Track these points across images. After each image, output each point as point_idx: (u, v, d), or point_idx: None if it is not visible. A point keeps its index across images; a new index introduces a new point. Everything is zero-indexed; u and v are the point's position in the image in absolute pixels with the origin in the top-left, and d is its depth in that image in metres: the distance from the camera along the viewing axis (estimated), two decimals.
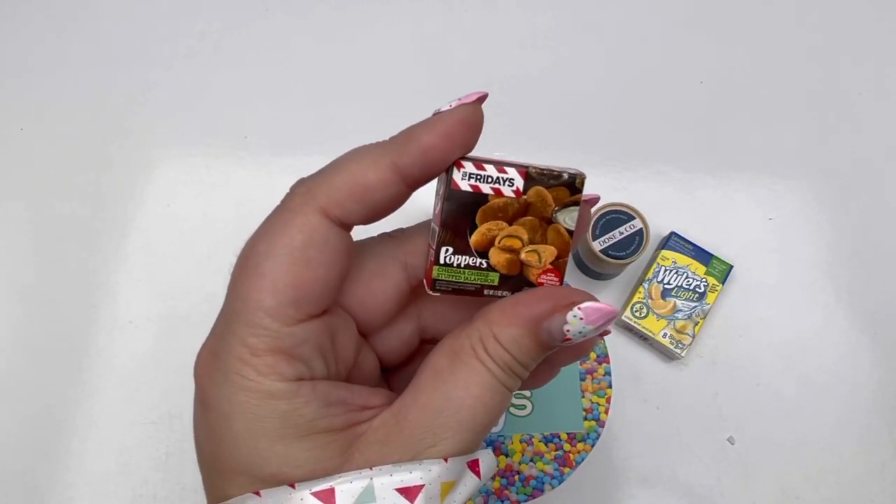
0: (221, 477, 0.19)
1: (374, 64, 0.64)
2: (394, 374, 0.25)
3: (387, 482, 0.18)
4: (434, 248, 0.21)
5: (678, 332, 0.53)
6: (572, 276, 0.57)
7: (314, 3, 0.66)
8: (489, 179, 0.21)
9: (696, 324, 0.53)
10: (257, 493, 0.18)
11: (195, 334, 0.20)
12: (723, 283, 0.54)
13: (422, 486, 0.19)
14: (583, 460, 0.44)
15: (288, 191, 0.20)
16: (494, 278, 0.22)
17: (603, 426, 0.45)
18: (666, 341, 0.52)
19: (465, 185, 0.21)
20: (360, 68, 0.64)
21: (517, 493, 0.44)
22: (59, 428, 0.52)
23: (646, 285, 0.54)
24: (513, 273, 0.22)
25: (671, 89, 0.63)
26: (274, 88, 0.63)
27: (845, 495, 0.51)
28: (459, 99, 0.20)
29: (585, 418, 0.45)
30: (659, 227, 0.57)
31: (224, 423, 0.19)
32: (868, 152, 0.61)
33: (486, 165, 0.21)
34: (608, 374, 0.47)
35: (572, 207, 0.21)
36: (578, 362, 0.47)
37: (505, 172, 0.21)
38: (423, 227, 0.23)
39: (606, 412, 0.46)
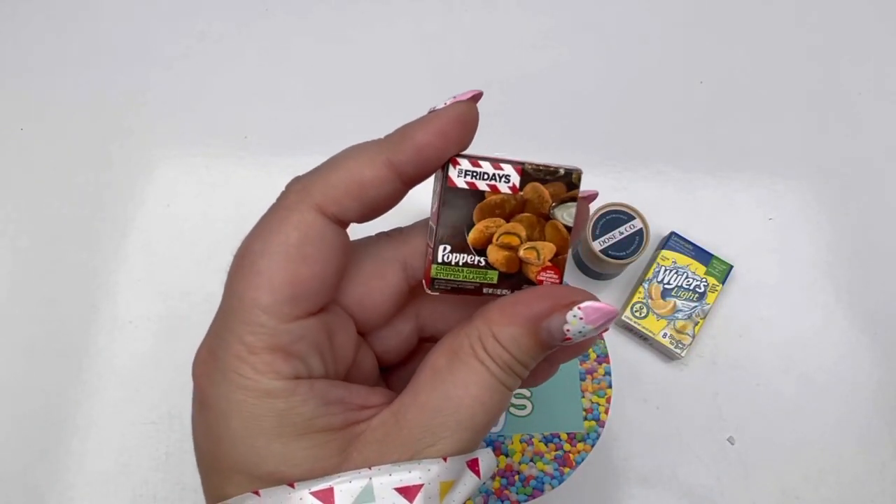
0: (219, 476, 0.19)
1: (374, 64, 0.64)
2: (393, 374, 0.25)
3: (386, 482, 0.18)
4: (432, 246, 0.21)
5: (678, 332, 0.53)
6: (572, 277, 0.57)
7: (314, 3, 0.66)
8: (485, 176, 0.21)
9: (696, 324, 0.53)
10: (256, 493, 0.18)
11: (195, 334, 0.20)
12: (723, 283, 0.54)
13: (421, 485, 0.19)
14: (583, 460, 0.44)
15: (284, 189, 0.20)
16: (493, 276, 0.21)
17: (603, 426, 0.45)
18: (666, 341, 0.52)
19: (461, 183, 0.21)
20: (360, 68, 0.64)
21: (517, 493, 0.44)
22: (59, 428, 0.52)
23: (646, 285, 0.54)
24: (512, 271, 0.21)
25: (671, 89, 0.63)
26: (274, 88, 0.63)
27: (845, 495, 0.51)
28: (454, 97, 0.20)
29: (585, 418, 0.45)
30: (659, 227, 0.57)
31: (222, 421, 0.19)
32: (868, 152, 0.61)
33: (481, 162, 0.21)
34: (608, 374, 0.47)
35: (570, 203, 0.21)
36: (578, 362, 0.47)
37: (501, 169, 0.21)
38: (421, 226, 0.23)
39: (606, 412, 0.46)
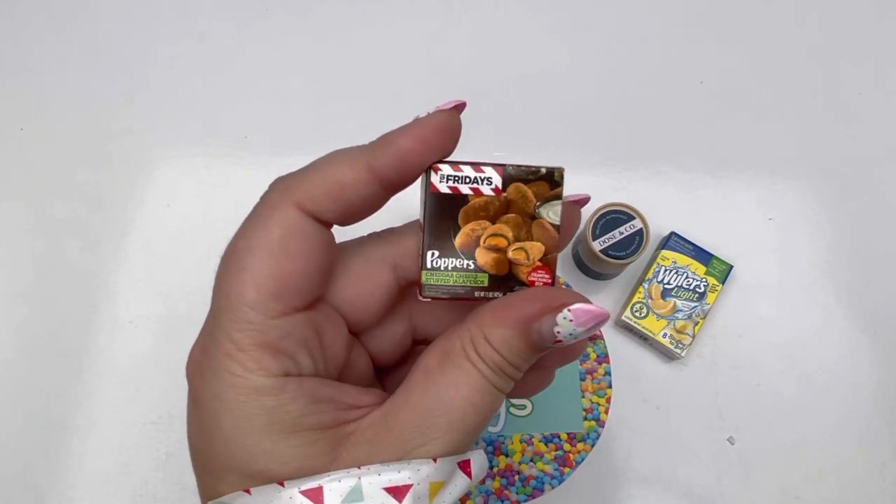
0: (212, 475, 0.19)
1: (374, 64, 0.64)
2: (388, 376, 0.25)
3: (375, 481, 0.18)
4: (420, 253, 0.21)
5: (678, 332, 0.53)
6: (572, 277, 0.57)
7: (314, 3, 0.66)
8: (467, 180, 0.21)
9: (696, 324, 0.53)
10: (248, 492, 0.18)
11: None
12: (723, 283, 0.54)
13: (410, 485, 0.19)
14: (583, 460, 0.44)
15: (267, 188, 0.20)
16: (484, 279, 0.22)
17: (603, 426, 0.45)
18: (666, 341, 0.52)
19: (443, 188, 0.21)
20: (360, 68, 0.64)
21: (517, 493, 0.44)
22: (59, 428, 0.52)
23: (646, 285, 0.54)
24: (502, 273, 0.22)
25: (671, 89, 0.63)
26: (274, 88, 0.63)
27: (845, 495, 0.51)
28: (438, 106, 0.21)
29: (585, 418, 0.45)
30: (659, 227, 0.57)
31: (214, 420, 0.19)
32: (868, 152, 0.61)
33: (462, 167, 0.21)
34: (608, 374, 0.47)
35: (555, 202, 0.21)
36: (578, 362, 0.47)
37: (482, 172, 0.21)
38: (412, 226, 0.23)
39: (606, 412, 0.46)
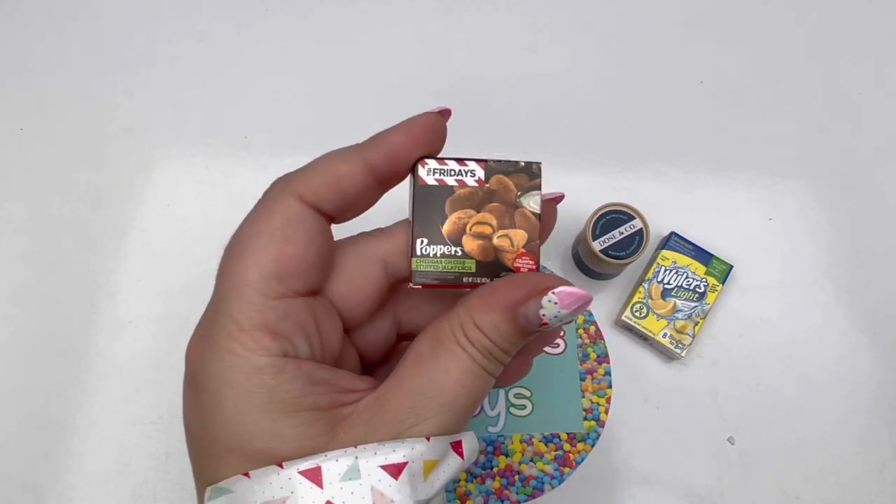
0: (211, 460, 0.20)
1: (374, 64, 0.64)
2: (374, 373, 0.26)
3: (372, 460, 0.19)
4: (410, 244, 0.23)
5: (678, 332, 0.53)
6: (572, 277, 0.57)
7: (314, 3, 0.66)
8: (452, 173, 0.23)
9: (696, 324, 0.53)
10: (246, 475, 0.19)
11: None
12: (723, 283, 0.54)
13: (405, 463, 0.19)
14: (583, 460, 0.44)
15: (269, 187, 0.22)
16: (471, 265, 0.23)
17: (603, 426, 0.45)
18: (666, 341, 0.52)
19: (430, 180, 0.23)
20: (360, 68, 0.64)
21: (517, 493, 0.44)
22: (59, 428, 0.52)
23: (646, 285, 0.54)
24: (488, 259, 0.23)
25: (671, 89, 0.63)
26: (274, 88, 0.63)
27: (845, 495, 0.51)
28: (426, 111, 0.23)
29: (585, 418, 0.45)
30: (659, 227, 0.57)
31: (214, 400, 0.20)
32: (868, 152, 0.61)
33: (447, 161, 0.23)
34: (608, 374, 0.47)
35: (534, 191, 0.23)
36: (578, 362, 0.47)
37: (466, 165, 0.23)
38: (402, 224, 0.24)
39: (606, 412, 0.46)
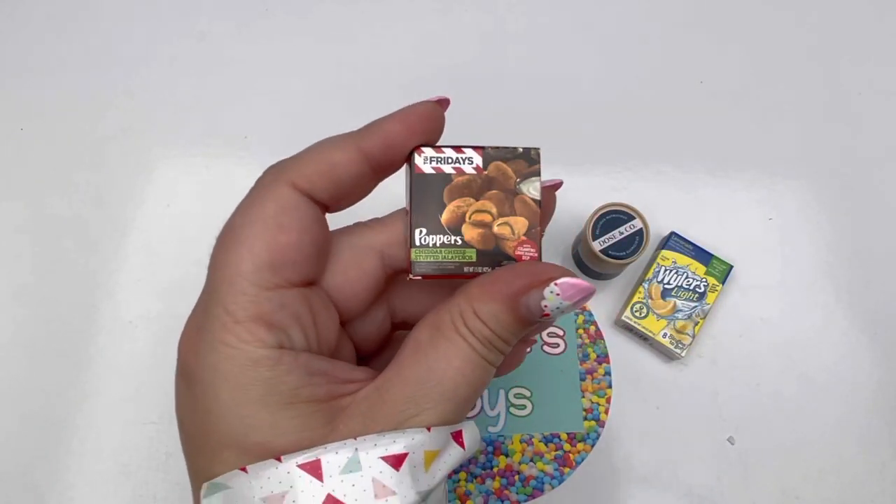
0: (207, 455, 0.19)
1: (374, 64, 0.64)
2: (368, 364, 0.26)
3: (372, 451, 0.19)
4: (408, 234, 0.22)
5: (678, 332, 0.53)
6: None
7: (314, 3, 0.66)
8: (449, 160, 0.22)
9: (696, 324, 0.53)
10: (244, 470, 0.18)
11: None
12: (723, 283, 0.54)
13: (406, 454, 0.19)
14: (583, 460, 0.44)
15: (261, 174, 0.21)
16: (472, 254, 0.22)
17: (603, 426, 0.45)
18: (666, 341, 0.52)
19: (427, 169, 0.22)
20: (360, 68, 0.64)
21: (517, 493, 0.44)
22: (59, 428, 0.52)
23: (646, 285, 0.54)
24: (488, 247, 0.22)
25: (671, 89, 0.63)
26: (274, 88, 0.63)
27: (845, 495, 0.51)
28: (424, 99, 0.22)
29: (585, 418, 0.45)
30: (659, 227, 0.57)
31: (210, 393, 0.19)
32: (868, 152, 0.61)
33: (444, 149, 0.22)
34: (608, 374, 0.47)
35: (534, 178, 0.23)
36: (578, 362, 0.47)
37: (463, 153, 0.22)
38: (398, 214, 0.23)
39: (606, 412, 0.46)
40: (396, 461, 0.19)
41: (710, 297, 0.54)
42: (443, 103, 0.22)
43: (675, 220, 0.57)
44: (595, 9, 0.66)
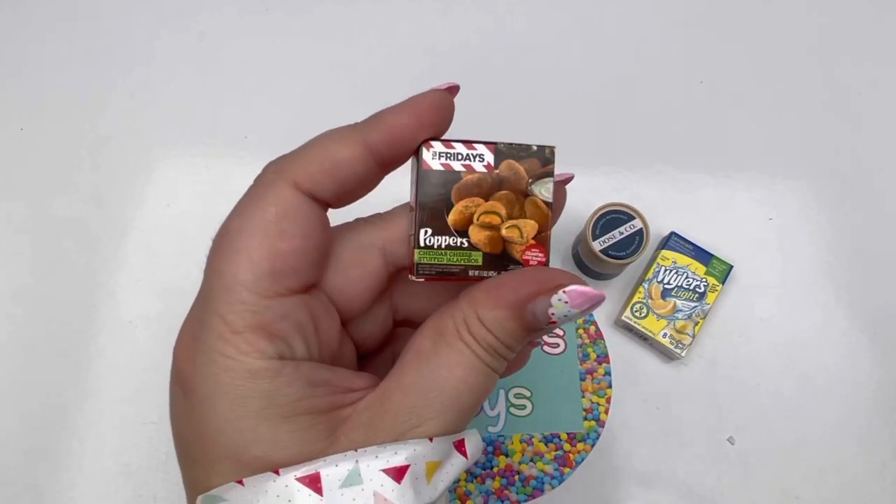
0: (203, 466, 0.19)
1: (374, 64, 0.64)
2: (369, 361, 0.25)
3: (373, 464, 0.18)
4: (413, 231, 0.21)
5: (678, 332, 0.53)
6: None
7: (314, 3, 0.66)
8: (459, 157, 0.21)
9: (696, 324, 0.53)
10: (240, 482, 0.18)
11: None
12: (723, 283, 0.54)
13: (407, 466, 0.18)
14: (583, 460, 0.44)
15: (262, 170, 0.20)
16: (478, 258, 0.21)
17: (603, 426, 0.45)
18: (666, 341, 0.52)
19: (435, 165, 0.21)
20: (360, 68, 0.64)
21: (517, 493, 0.44)
22: (59, 428, 0.52)
23: (646, 285, 0.54)
24: (496, 251, 0.21)
25: (671, 89, 0.63)
26: (274, 88, 0.63)
27: (845, 495, 0.51)
28: (432, 87, 0.21)
29: (585, 418, 0.45)
30: (659, 227, 0.57)
31: (207, 404, 0.18)
32: (868, 152, 0.61)
33: (454, 144, 0.21)
34: (608, 374, 0.47)
35: (546, 179, 0.21)
36: (578, 362, 0.47)
37: (474, 149, 0.21)
38: (401, 210, 0.23)
39: (606, 412, 0.46)
40: (398, 473, 0.18)
41: (710, 297, 0.54)
42: (452, 90, 0.21)
43: (675, 220, 0.57)
44: (595, 9, 0.66)
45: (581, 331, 0.48)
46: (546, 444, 0.45)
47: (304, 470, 0.18)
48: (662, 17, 0.66)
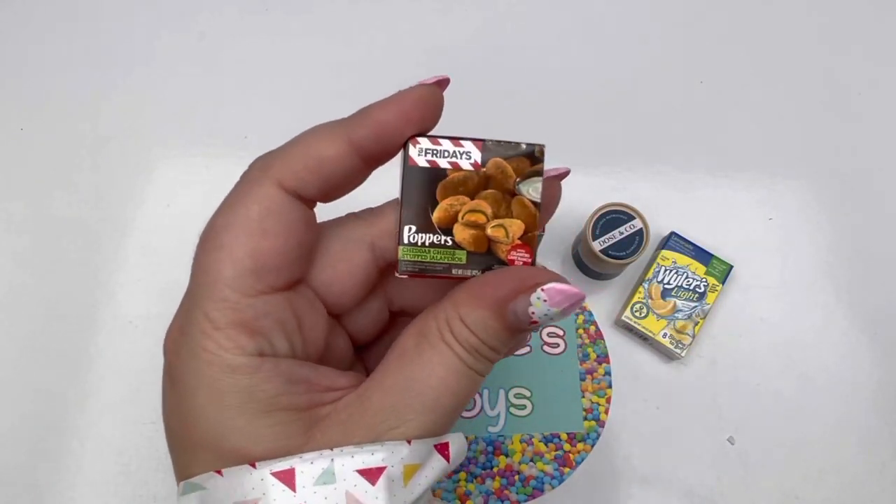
0: (186, 454, 0.19)
1: (374, 64, 0.64)
2: (368, 351, 0.25)
3: (348, 463, 0.18)
4: (397, 228, 0.21)
5: (678, 332, 0.53)
6: (572, 277, 0.57)
7: (314, 3, 0.66)
8: (446, 154, 0.21)
9: (696, 324, 0.53)
10: (219, 473, 0.18)
11: None
12: (723, 283, 0.54)
13: (384, 467, 0.18)
14: (583, 460, 0.44)
15: (248, 167, 0.20)
16: (462, 256, 0.21)
17: (603, 426, 0.45)
18: (666, 341, 0.52)
19: (421, 161, 0.21)
20: (360, 68, 0.64)
21: (517, 493, 0.44)
22: (59, 428, 0.52)
23: (646, 285, 0.54)
24: (480, 250, 0.21)
25: (671, 89, 0.63)
26: (274, 88, 0.63)
27: (845, 495, 0.51)
28: (421, 81, 0.20)
29: (585, 418, 0.45)
30: (659, 227, 0.57)
31: (189, 396, 0.19)
32: (868, 152, 0.61)
33: (441, 140, 0.21)
34: (608, 374, 0.47)
35: (535, 178, 0.21)
36: (578, 362, 0.47)
37: (461, 146, 0.21)
38: (391, 205, 0.22)
39: (606, 412, 0.46)
40: (373, 475, 0.18)
41: (710, 297, 0.54)
42: (442, 84, 0.21)
43: (675, 220, 0.57)
44: (595, 9, 0.66)
45: (581, 331, 0.48)
46: (546, 444, 0.45)
47: (280, 465, 0.18)
48: (662, 17, 0.66)
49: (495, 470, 0.44)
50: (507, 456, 0.45)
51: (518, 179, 0.21)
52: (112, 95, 0.63)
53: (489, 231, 0.21)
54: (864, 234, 0.58)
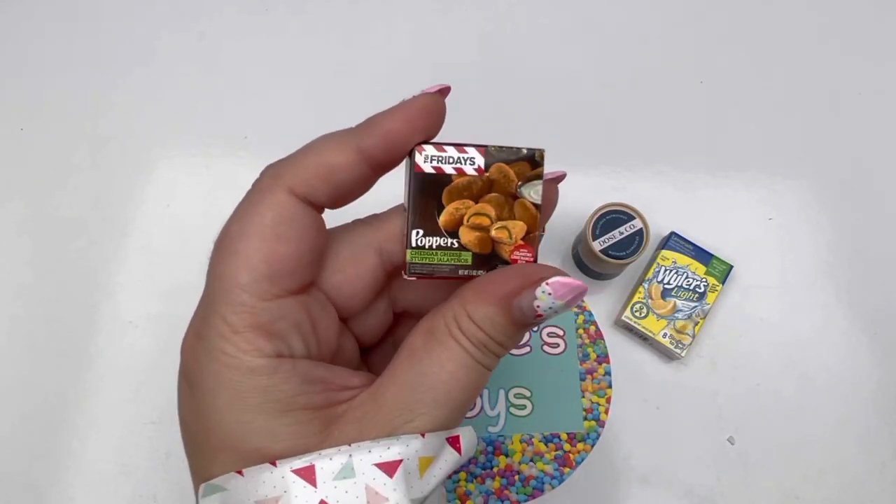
0: (206, 456, 0.20)
1: (374, 64, 0.64)
2: (371, 353, 0.26)
3: (366, 458, 0.19)
4: (405, 232, 0.22)
5: (678, 332, 0.53)
6: (572, 276, 0.57)
7: (314, 3, 0.66)
8: (450, 160, 0.22)
9: (696, 324, 0.53)
10: (240, 473, 0.19)
11: None
12: (723, 283, 0.54)
13: (400, 460, 0.19)
14: (583, 460, 0.44)
15: (259, 175, 0.21)
16: (467, 258, 0.22)
17: (603, 426, 0.45)
18: (666, 341, 0.52)
19: (427, 168, 0.21)
20: (360, 68, 0.64)
21: (517, 493, 0.44)
22: (59, 428, 0.52)
23: (646, 285, 0.54)
24: (485, 251, 0.22)
25: (671, 89, 0.63)
26: (274, 88, 0.63)
27: (845, 495, 0.51)
28: (423, 90, 0.21)
29: (585, 418, 0.45)
30: (659, 227, 0.57)
31: (209, 398, 0.19)
32: (868, 152, 0.61)
33: (446, 147, 0.22)
34: (608, 374, 0.47)
35: (535, 181, 0.22)
36: (578, 362, 0.47)
37: (465, 152, 0.22)
38: (396, 210, 0.23)
39: (606, 412, 0.46)
40: (390, 468, 0.19)
41: (710, 297, 0.54)
42: (443, 92, 0.22)
43: (675, 220, 0.57)
44: (595, 9, 0.66)
45: (581, 331, 0.48)
46: (546, 444, 0.45)
47: (300, 462, 0.19)
48: (662, 17, 0.66)
49: (495, 470, 0.44)
50: (507, 456, 0.45)
51: (520, 183, 0.22)
52: (112, 95, 0.63)
53: (493, 233, 0.22)
54: (864, 234, 0.58)
